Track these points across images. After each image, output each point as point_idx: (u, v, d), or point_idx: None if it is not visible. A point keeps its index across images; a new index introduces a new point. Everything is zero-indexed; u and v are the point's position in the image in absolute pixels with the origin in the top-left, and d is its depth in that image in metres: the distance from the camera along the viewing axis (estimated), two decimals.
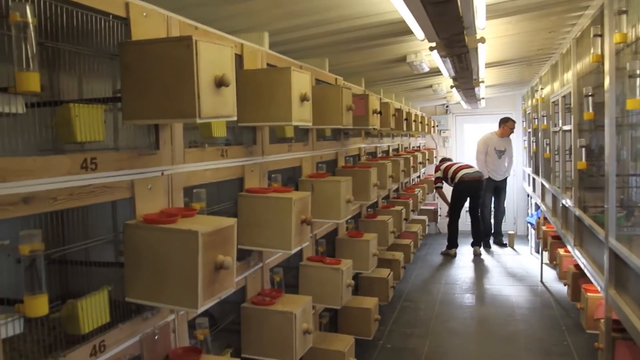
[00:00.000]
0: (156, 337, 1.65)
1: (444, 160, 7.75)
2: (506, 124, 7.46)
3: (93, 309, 1.41)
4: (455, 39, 2.86)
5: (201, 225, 1.47)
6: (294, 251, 2.15)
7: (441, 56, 3.41)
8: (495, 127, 7.61)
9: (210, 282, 1.48)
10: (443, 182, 7.33)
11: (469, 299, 5.40)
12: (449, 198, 7.25)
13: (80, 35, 1.45)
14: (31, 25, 1.19)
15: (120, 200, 1.55)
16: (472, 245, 7.28)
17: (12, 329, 1.19)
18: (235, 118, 1.58)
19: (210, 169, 1.94)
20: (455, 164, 7.27)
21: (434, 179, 7.50)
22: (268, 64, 2.42)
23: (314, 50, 3.47)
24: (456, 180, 6.97)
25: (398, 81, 5.50)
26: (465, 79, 4.57)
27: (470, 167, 7.12)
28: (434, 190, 7.55)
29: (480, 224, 7.27)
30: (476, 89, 5.57)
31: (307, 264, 2.90)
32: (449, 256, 7.12)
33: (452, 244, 7.19)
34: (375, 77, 5.06)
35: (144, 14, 1.60)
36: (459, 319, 4.84)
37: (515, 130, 7.55)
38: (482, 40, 3.09)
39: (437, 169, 7.51)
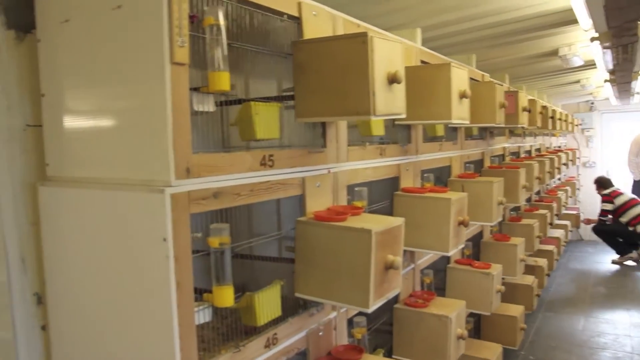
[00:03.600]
0: (320, 334, 1.67)
1: (605, 181, 6.81)
2: None
3: (268, 303, 1.45)
4: (626, 27, 2.60)
5: (372, 223, 1.45)
6: (451, 253, 2.07)
7: (603, 47, 3.13)
8: None
9: (381, 281, 1.45)
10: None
11: (620, 314, 4.92)
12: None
13: (257, 35, 1.50)
14: (223, 28, 1.25)
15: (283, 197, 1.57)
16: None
17: (202, 317, 1.25)
18: (404, 115, 1.55)
19: (370, 167, 1.93)
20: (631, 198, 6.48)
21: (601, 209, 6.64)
22: (421, 61, 2.36)
23: (460, 47, 3.37)
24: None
25: (543, 77, 5.18)
26: (624, 72, 4.17)
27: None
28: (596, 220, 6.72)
29: None
30: (633, 83, 5.07)
31: (455, 267, 2.80)
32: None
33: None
34: (519, 73, 4.80)
35: (314, 12, 1.62)
36: (610, 335, 4.41)
37: None
38: None
39: (606, 198, 6.54)
